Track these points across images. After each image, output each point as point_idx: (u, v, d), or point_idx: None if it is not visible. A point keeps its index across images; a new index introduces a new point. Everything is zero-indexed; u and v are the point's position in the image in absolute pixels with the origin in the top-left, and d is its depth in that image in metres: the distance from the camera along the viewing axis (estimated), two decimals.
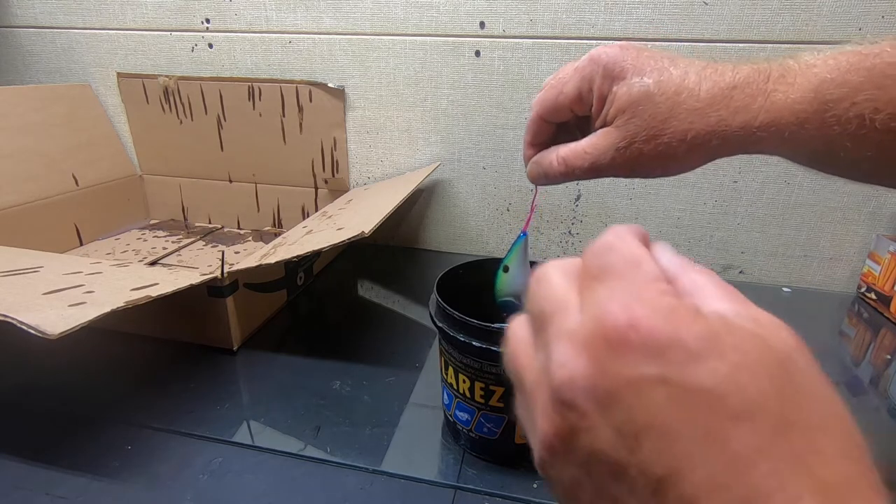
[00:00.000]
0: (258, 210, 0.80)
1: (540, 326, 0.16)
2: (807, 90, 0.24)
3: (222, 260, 0.46)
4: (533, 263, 0.31)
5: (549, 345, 0.15)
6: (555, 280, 0.16)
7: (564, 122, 0.31)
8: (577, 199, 0.70)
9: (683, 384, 0.12)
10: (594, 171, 0.28)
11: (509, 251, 0.33)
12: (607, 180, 0.68)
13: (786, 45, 0.59)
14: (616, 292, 0.14)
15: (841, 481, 0.11)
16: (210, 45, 0.73)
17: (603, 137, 0.27)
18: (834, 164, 0.26)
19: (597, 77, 0.27)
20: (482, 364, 0.33)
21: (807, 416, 0.12)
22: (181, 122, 0.77)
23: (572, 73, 0.28)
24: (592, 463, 0.13)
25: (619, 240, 0.15)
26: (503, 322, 0.30)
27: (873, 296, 0.62)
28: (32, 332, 0.30)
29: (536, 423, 0.15)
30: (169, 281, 0.42)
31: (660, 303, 0.13)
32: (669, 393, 0.12)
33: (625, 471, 0.13)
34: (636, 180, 0.67)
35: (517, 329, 0.17)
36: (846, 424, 0.12)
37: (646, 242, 0.15)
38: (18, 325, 0.31)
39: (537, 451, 0.15)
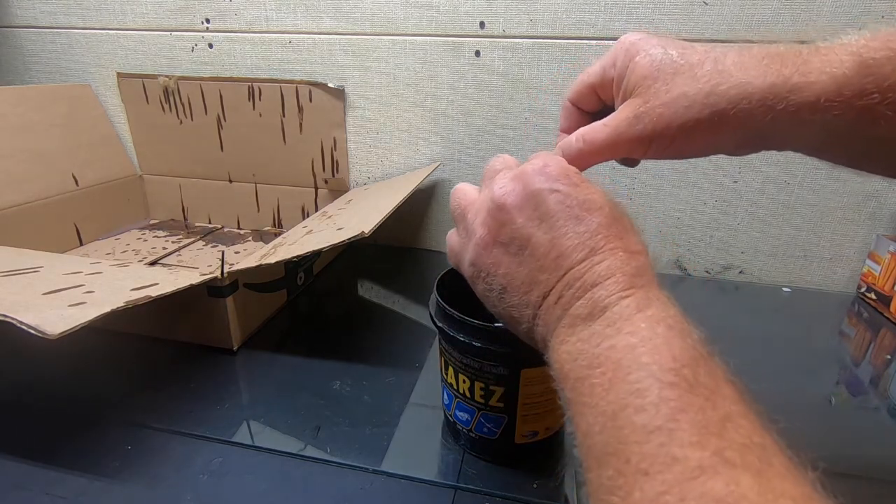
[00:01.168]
0: (258, 210, 0.80)
1: (490, 177, 0.27)
2: (844, 54, 0.23)
3: (222, 260, 0.46)
4: None
5: (492, 182, 0.26)
6: (507, 156, 0.28)
7: (596, 112, 0.31)
8: None
9: (567, 193, 0.23)
10: (612, 144, 0.27)
11: None
12: (606, 179, 0.68)
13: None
14: (537, 158, 0.25)
15: (637, 251, 0.23)
16: (210, 45, 0.73)
17: (622, 108, 0.27)
18: (867, 145, 0.25)
19: (620, 55, 0.27)
20: (482, 364, 0.33)
21: (622, 220, 0.23)
22: (181, 122, 0.77)
23: (601, 57, 0.29)
24: (510, 243, 0.24)
25: (543, 153, 0.27)
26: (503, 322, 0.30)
27: (873, 296, 0.62)
28: (32, 332, 0.30)
29: (475, 234, 0.26)
30: (169, 281, 0.42)
31: (558, 159, 0.25)
32: (558, 197, 0.23)
33: (529, 240, 0.24)
34: (636, 181, 0.67)
35: (464, 186, 0.29)
36: (638, 235, 0.24)
37: None
38: (18, 325, 0.31)
39: (471, 253, 0.26)
